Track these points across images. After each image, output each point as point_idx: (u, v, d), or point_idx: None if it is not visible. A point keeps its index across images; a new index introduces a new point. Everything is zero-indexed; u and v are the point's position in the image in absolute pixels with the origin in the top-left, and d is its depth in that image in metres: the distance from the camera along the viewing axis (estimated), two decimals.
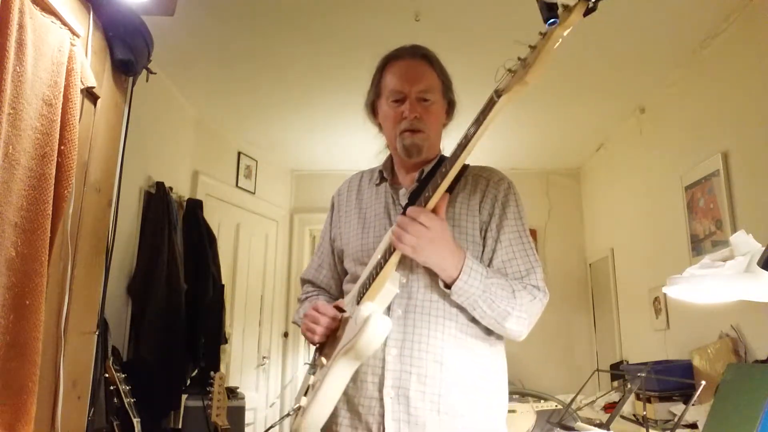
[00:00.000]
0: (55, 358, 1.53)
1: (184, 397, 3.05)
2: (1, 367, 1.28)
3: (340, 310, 1.32)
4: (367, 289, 1.24)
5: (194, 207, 3.49)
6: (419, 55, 1.39)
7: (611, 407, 2.76)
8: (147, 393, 2.42)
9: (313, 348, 1.42)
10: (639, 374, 1.99)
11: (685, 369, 2.67)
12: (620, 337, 3.94)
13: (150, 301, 2.87)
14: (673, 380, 2.52)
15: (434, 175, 1.26)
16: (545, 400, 2.63)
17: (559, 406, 2.47)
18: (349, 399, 1.28)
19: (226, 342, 3.57)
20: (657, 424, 2.48)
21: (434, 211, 1.18)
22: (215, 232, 3.64)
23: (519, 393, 2.86)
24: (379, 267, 1.23)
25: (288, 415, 1.33)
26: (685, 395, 2.52)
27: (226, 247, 3.98)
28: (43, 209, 1.39)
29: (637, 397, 2.68)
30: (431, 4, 2.57)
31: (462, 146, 1.11)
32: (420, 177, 1.37)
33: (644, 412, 2.06)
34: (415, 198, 1.31)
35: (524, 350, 4.50)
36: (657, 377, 2.55)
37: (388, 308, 1.26)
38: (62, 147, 1.48)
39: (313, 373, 1.34)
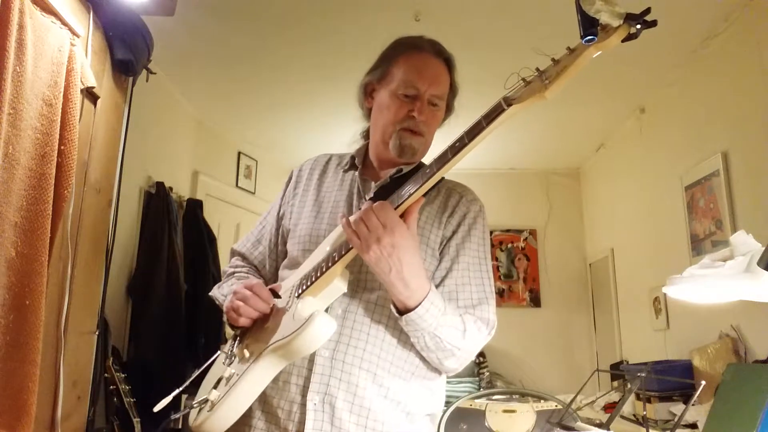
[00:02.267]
0: (55, 358, 1.53)
1: (184, 397, 3.05)
2: (1, 367, 1.28)
3: (276, 295, 1.18)
4: (312, 283, 1.11)
5: (194, 207, 3.49)
6: (442, 56, 1.30)
7: (611, 407, 2.76)
8: (147, 393, 2.42)
9: (230, 332, 1.28)
10: (639, 374, 1.99)
11: (685, 369, 2.67)
12: (620, 337, 3.93)
13: (150, 301, 2.87)
14: (673, 380, 2.52)
15: (410, 176, 1.14)
16: (545, 400, 2.62)
17: (559, 406, 2.47)
18: (267, 400, 1.15)
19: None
20: (657, 424, 2.48)
21: (404, 215, 1.05)
22: (215, 232, 3.64)
23: (519, 393, 2.86)
24: (331, 261, 1.09)
25: (192, 407, 1.15)
26: (685, 395, 2.52)
27: (226, 247, 3.96)
28: (43, 209, 1.39)
29: (637, 397, 2.68)
30: (431, 4, 2.57)
31: (456, 150, 0.99)
32: (395, 174, 1.26)
33: (644, 412, 2.06)
34: (383, 194, 1.17)
35: (524, 350, 4.53)
36: (657, 377, 2.55)
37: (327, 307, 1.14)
38: (62, 147, 1.48)
39: (229, 364, 1.17)
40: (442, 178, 1.30)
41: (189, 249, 3.30)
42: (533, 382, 4.18)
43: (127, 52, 1.81)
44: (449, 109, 1.35)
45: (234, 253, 1.46)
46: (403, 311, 1.08)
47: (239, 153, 4.31)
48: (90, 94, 1.68)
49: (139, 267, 2.95)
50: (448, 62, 1.31)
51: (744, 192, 2.52)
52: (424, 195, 1.08)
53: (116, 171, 1.89)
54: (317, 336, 1.03)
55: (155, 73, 2.14)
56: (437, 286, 1.20)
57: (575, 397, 2.31)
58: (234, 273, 1.39)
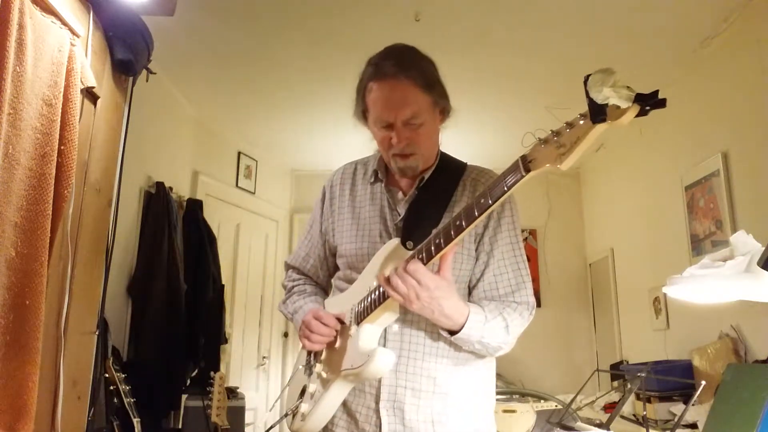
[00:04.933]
0: (55, 358, 1.53)
1: (184, 397, 3.05)
2: (1, 367, 1.28)
3: (341, 321, 1.33)
4: (369, 313, 1.24)
5: (194, 207, 3.49)
6: (401, 73, 1.26)
7: (611, 407, 2.76)
8: (147, 393, 2.42)
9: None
10: (639, 374, 1.99)
11: (685, 369, 2.68)
12: (620, 337, 3.94)
13: (150, 301, 2.87)
14: (673, 380, 2.52)
15: (434, 183, 1.31)
16: (545, 400, 2.63)
17: (559, 406, 2.47)
18: (346, 404, 1.32)
19: (226, 342, 3.57)
20: (657, 424, 2.49)
21: (440, 261, 1.14)
22: (215, 232, 3.64)
23: (519, 393, 2.86)
24: (383, 296, 1.20)
25: (286, 415, 1.39)
26: (685, 395, 2.52)
27: (226, 247, 3.98)
28: (43, 209, 1.39)
29: (637, 397, 2.68)
30: (431, 4, 2.57)
31: (482, 208, 1.03)
32: (419, 184, 1.35)
33: (644, 412, 2.06)
34: (414, 209, 1.32)
35: (524, 350, 4.49)
36: (657, 377, 2.55)
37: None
38: (62, 147, 1.48)
39: (309, 375, 1.37)
40: (465, 166, 1.40)
41: (189, 249, 3.30)
42: (533, 382, 4.18)
43: (127, 52, 1.81)
44: (444, 111, 1.36)
45: (288, 266, 1.58)
46: (451, 333, 1.21)
47: (239, 153, 4.31)
48: (90, 94, 1.67)
49: (139, 267, 2.95)
50: (411, 76, 1.27)
51: (744, 192, 2.52)
52: (451, 193, 1.28)
53: (116, 171, 1.89)
54: (379, 369, 1.20)
55: (155, 73, 2.14)
56: (477, 281, 1.31)
57: (575, 397, 2.31)
58: (293, 288, 1.52)
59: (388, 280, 1.15)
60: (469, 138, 3.91)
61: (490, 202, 1.03)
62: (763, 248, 1.25)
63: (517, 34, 2.77)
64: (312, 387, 1.35)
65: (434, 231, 1.13)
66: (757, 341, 2.35)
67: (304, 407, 1.34)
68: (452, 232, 1.08)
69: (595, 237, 4.52)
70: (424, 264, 1.12)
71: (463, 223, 1.06)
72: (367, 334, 1.24)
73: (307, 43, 2.89)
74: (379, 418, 1.26)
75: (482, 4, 2.56)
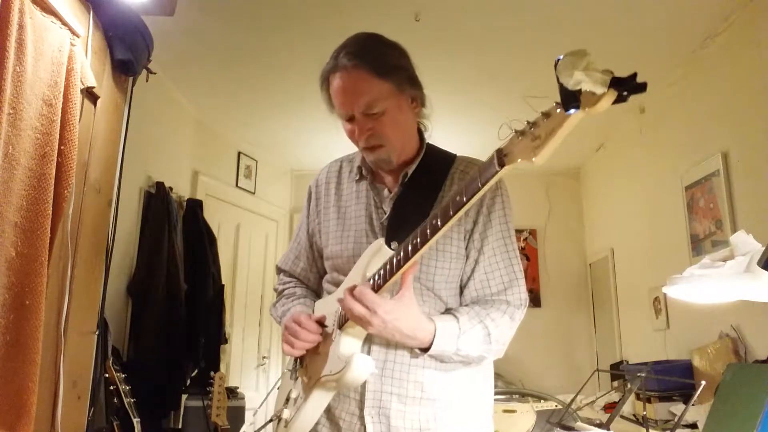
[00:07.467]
0: (55, 358, 1.53)
1: (184, 397, 3.05)
2: (1, 367, 1.28)
3: (322, 324, 1.28)
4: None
5: (194, 207, 3.49)
6: (352, 62, 1.22)
7: (611, 407, 2.76)
8: (147, 393, 2.42)
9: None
10: (639, 374, 1.99)
11: (685, 369, 2.67)
12: (620, 337, 3.93)
13: (150, 301, 2.87)
14: (673, 380, 2.52)
15: (418, 177, 1.25)
16: (545, 400, 2.63)
17: (559, 406, 2.47)
18: (330, 410, 1.27)
19: (226, 342, 3.57)
20: (657, 424, 2.48)
21: (402, 278, 1.09)
22: (215, 232, 3.64)
23: (519, 393, 2.86)
24: None
25: (270, 420, 1.35)
26: (685, 395, 2.52)
27: (226, 247, 3.98)
28: (43, 209, 1.39)
29: (637, 397, 2.68)
30: (431, 4, 2.57)
31: (457, 206, 0.96)
32: (403, 181, 1.29)
33: (644, 412, 2.06)
34: (400, 207, 1.25)
35: (524, 350, 4.51)
36: (657, 377, 2.55)
37: None
38: (62, 147, 1.48)
39: (295, 380, 1.34)
40: (454, 158, 1.33)
41: (189, 249, 3.30)
42: (533, 382, 4.18)
43: (127, 52, 1.81)
44: (417, 99, 1.29)
45: (279, 270, 1.54)
46: (423, 350, 1.17)
47: (239, 153, 4.31)
48: (90, 94, 1.68)
49: (139, 267, 2.95)
50: (361, 65, 1.22)
51: (744, 192, 2.52)
52: (439, 187, 1.22)
53: (116, 171, 1.89)
54: (357, 376, 1.15)
55: (155, 73, 2.14)
56: (468, 280, 1.25)
57: (575, 397, 2.31)
58: (283, 291, 1.47)
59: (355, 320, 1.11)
60: (469, 138, 3.90)
61: (464, 199, 0.95)
62: (763, 248, 1.25)
63: (516, 34, 2.77)
64: (295, 392, 1.30)
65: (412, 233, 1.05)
66: (757, 341, 2.35)
67: (286, 413, 1.29)
68: (428, 232, 1.00)
69: (595, 237, 4.52)
70: (401, 268, 1.06)
71: (439, 223, 0.99)
72: (347, 340, 1.19)
73: (307, 42, 2.89)
74: (363, 425, 1.20)
75: (482, 4, 2.56)
